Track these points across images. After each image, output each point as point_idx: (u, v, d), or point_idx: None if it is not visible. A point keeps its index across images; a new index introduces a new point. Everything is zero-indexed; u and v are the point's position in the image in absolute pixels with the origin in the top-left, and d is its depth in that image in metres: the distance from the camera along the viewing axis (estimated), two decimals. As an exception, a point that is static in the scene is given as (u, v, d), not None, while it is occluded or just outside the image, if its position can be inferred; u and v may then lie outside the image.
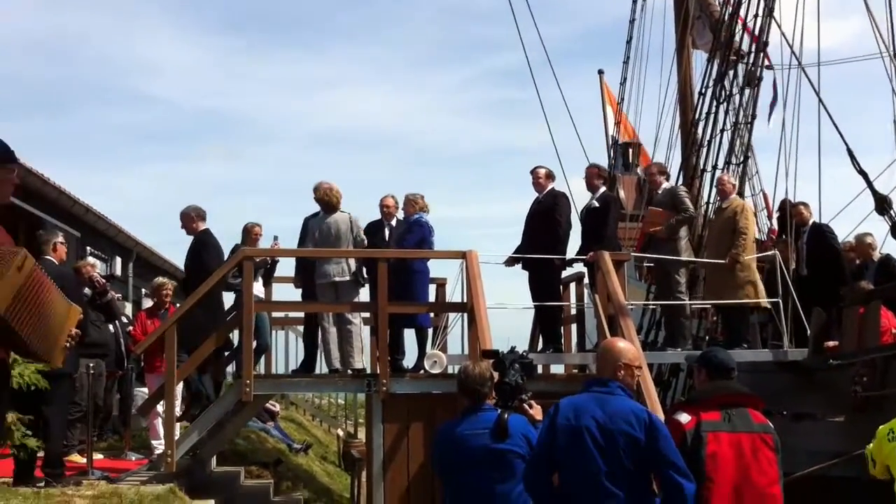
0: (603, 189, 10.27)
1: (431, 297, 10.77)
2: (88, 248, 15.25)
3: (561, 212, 10.00)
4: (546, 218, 9.97)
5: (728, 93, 13.66)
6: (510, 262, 10.18)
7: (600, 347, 5.10)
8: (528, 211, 10.25)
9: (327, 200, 9.99)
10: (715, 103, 13.62)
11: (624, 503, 4.53)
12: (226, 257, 9.94)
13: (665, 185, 10.66)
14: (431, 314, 10.52)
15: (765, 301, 9.93)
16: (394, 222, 10.61)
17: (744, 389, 5.10)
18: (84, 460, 8.76)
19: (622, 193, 17.93)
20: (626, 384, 4.83)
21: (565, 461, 4.63)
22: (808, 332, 9.82)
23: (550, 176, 10.25)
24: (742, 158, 13.47)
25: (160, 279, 10.94)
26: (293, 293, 10.88)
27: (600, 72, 20.92)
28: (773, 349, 10.10)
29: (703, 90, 14.04)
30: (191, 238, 9.88)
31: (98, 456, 9.44)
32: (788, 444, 7.65)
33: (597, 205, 10.09)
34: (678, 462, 4.56)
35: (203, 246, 9.76)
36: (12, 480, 7.37)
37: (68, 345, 4.41)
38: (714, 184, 12.05)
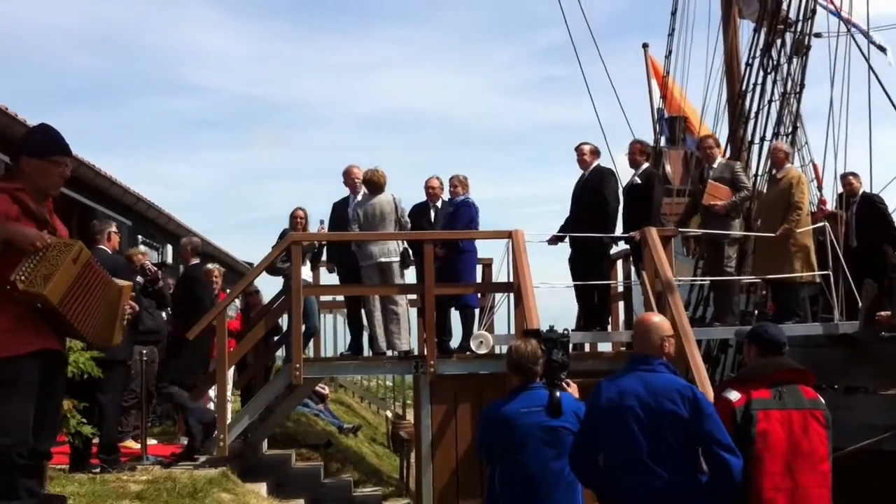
0: (646, 165, 10.14)
1: (478, 278, 10.76)
2: (140, 236, 15.45)
3: (609, 188, 9.92)
4: (593, 195, 9.89)
5: (776, 62, 13.38)
6: (553, 240, 10.13)
7: (637, 324, 5.04)
8: (574, 188, 10.18)
9: (374, 181, 10.05)
10: (762, 73, 13.35)
11: (669, 482, 4.52)
12: (275, 242, 10.02)
13: (720, 159, 10.42)
14: (478, 294, 10.50)
15: (816, 274, 9.73)
16: (439, 204, 10.60)
17: (795, 365, 5.02)
18: (138, 446, 8.92)
19: (668, 168, 17.69)
20: (668, 358, 4.82)
21: (609, 442, 4.65)
22: (860, 304, 9.63)
23: (596, 152, 10.14)
24: (791, 129, 13.21)
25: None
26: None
27: (645, 45, 20.61)
28: (823, 322, 9.91)
29: (751, 60, 13.76)
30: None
31: (152, 441, 9.60)
32: (840, 418, 7.54)
33: (639, 181, 9.97)
34: (724, 438, 4.54)
35: (194, 281, 9.82)
36: (68, 467, 7.53)
37: (126, 320, 4.50)
38: (767, 153, 11.77)
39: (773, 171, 10.30)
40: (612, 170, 10.32)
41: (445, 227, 10.24)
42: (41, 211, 4.26)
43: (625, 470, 4.57)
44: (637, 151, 10.11)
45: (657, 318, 5.06)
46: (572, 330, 9.86)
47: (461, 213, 10.27)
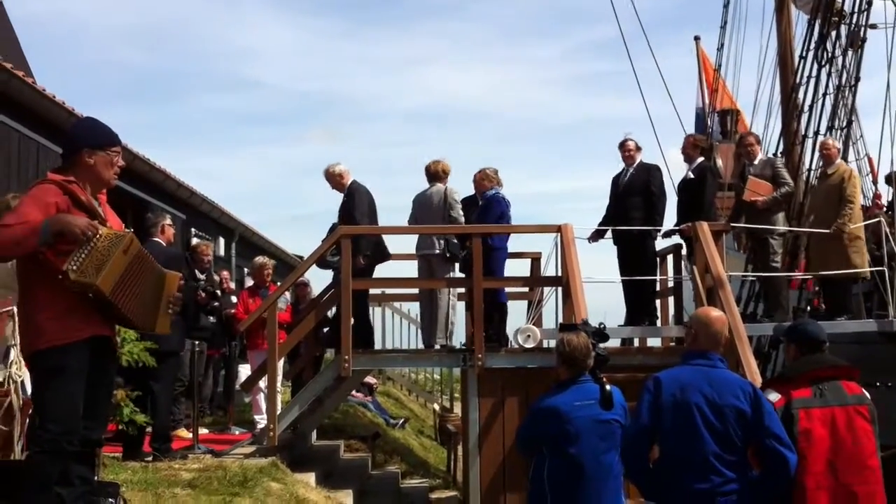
0: (700, 160, 10.05)
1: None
2: (193, 229, 15.66)
3: (657, 184, 9.88)
4: (641, 191, 9.85)
5: (830, 55, 13.18)
6: (594, 236, 10.10)
7: (697, 319, 4.97)
8: (615, 184, 10.14)
9: (429, 170, 10.14)
10: (817, 66, 13.16)
11: (729, 480, 4.54)
12: (325, 236, 10.09)
13: (760, 155, 10.34)
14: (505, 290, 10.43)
15: (867, 271, 9.58)
16: (489, 196, 10.57)
17: (836, 362, 4.92)
18: (189, 435, 9.06)
19: (720, 162, 17.48)
20: (723, 355, 4.79)
21: (670, 439, 4.63)
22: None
23: (639, 148, 10.13)
24: (846, 123, 13.00)
25: (261, 259, 11.17)
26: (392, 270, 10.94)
27: (696, 38, 20.43)
28: (877, 319, 9.76)
29: (805, 53, 13.59)
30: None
31: (203, 431, 9.74)
32: (891, 416, 7.44)
33: (692, 176, 9.89)
34: (782, 434, 4.57)
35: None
36: (122, 455, 7.67)
37: (171, 311, 4.57)
38: (817, 149, 11.62)
39: (824, 167, 10.16)
40: (657, 165, 10.27)
41: (476, 222, 10.08)
42: (91, 202, 4.33)
43: (688, 469, 4.56)
44: (689, 146, 10.05)
45: (717, 313, 5.03)
46: (620, 325, 9.89)
47: (492, 208, 10.16)
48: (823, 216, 9.82)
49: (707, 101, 19.17)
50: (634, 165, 10.01)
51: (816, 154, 11.91)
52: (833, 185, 9.78)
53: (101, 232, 4.16)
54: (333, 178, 10.06)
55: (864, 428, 4.76)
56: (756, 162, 10.10)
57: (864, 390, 4.89)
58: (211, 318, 10.22)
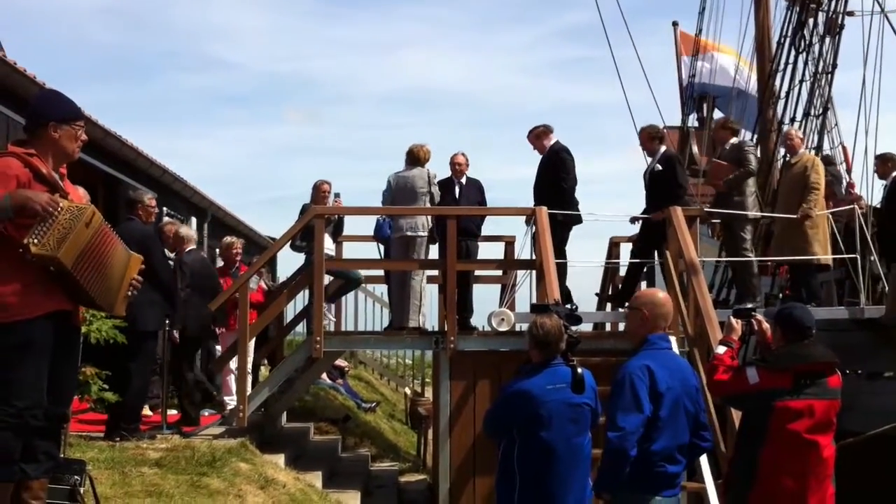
0: (663, 149, 10.01)
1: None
2: (165, 208, 15.47)
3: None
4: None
5: (808, 42, 13.20)
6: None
7: (652, 300, 4.94)
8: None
9: (415, 154, 10.11)
10: (794, 53, 13.18)
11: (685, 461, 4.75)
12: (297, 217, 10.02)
13: (733, 140, 10.30)
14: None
15: (828, 258, 9.64)
16: (464, 180, 10.58)
17: (822, 357, 4.89)
18: (152, 414, 8.95)
19: (695, 149, 17.52)
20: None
21: (662, 426, 4.63)
22: (886, 288, 9.50)
23: (548, 132, 10.16)
24: (821, 110, 13.04)
25: (229, 238, 11.04)
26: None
27: (675, 23, 20.38)
28: (849, 306, 9.81)
29: (782, 39, 13.60)
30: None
31: (172, 411, 9.65)
32: (863, 402, 7.48)
33: (660, 167, 9.86)
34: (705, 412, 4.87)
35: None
36: (104, 434, 7.62)
37: (130, 294, 4.50)
38: (781, 139, 11.65)
39: (788, 157, 10.20)
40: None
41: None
42: (53, 176, 4.27)
43: (671, 454, 4.64)
44: (646, 139, 10.02)
45: (663, 294, 5.10)
46: (573, 306, 9.83)
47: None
48: (788, 205, 9.87)
49: (685, 83, 19.10)
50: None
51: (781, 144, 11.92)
52: (797, 174, 9.85)
53: (62, 205, 4.09)
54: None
55: (831, 422, 4.81)
56: (727, 147, 10.10)
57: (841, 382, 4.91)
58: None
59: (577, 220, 9.96)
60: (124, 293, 4.46)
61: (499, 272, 11.14)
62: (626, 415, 4.58)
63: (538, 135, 10.19)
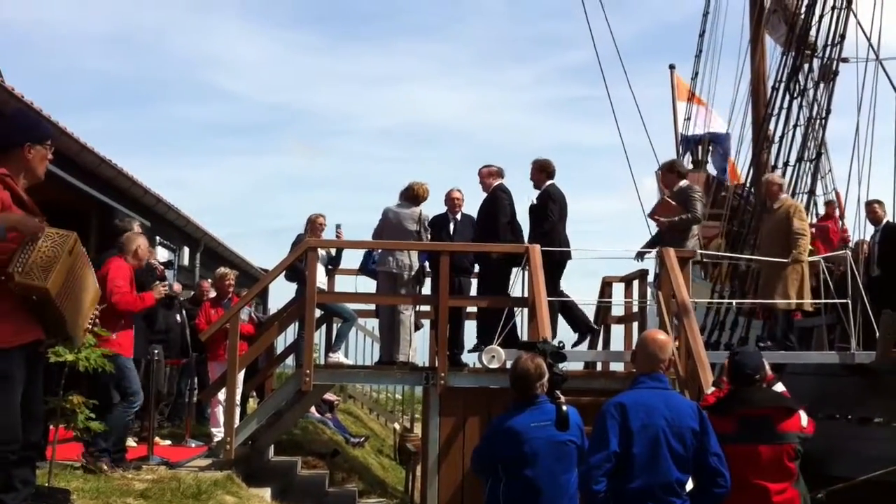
0: (548, 183, 10.08)
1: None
2: (157, 237, 15.48)
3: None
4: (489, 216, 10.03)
5: (802, 87, 13.31)
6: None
7: (648, 341, 4.98)
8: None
9: (414, 191, 10.15)
10: (788, 98, 13.28)
11: (683, 500, 4.63)
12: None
13: (681, 184, 10.24)
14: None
15: (808, 304, 9.68)
16: (459, 216, 10.60)
17: (766, 401, 4.97)
18: (137, 445, 8.87)
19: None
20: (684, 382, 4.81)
21: (637, 464, 4.61)
22: (878, 334, 9.50)
23: (494, 174, 10.25)
24: (815, 155, 13.11)
25: (222, 269, 11.04)
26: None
27: (671, 66, 20.54)
28: (840, 351, 9.80)
29: (777, 84, 13.71)
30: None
31: (166, 442, 9.59)
32: (853, 448, 7.44)
33: (535, 201, 10.03)
34: (721, 452, 4.68)
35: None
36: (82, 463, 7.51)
37: (89, 326, 4.45)
38: (763, 185, 11.66)
39: (768, 203, 10.25)
40: (503, 187, 10.27)
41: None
42: (29, 198, 4.20)
43: (651, 495, 4.58)
44: (535, 170, 10.13)
45: (664, 336, 5.09)
46: (559, 343, 9.83)
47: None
48: (769, 250, 9.90)
49: (681, 129, 19.23)
50: (677, 188, 10.04)
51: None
52: (779, 220, 9.89)
53: (46, 231, 4.04)
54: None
55: (786, 466, 4.82)
56: (675, 189, 10.05)
57: (802, 427, 4.93)
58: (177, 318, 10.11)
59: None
60: (86, 324, 4.41)
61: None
62: (592, 450, 4.69)
63: (490, 174, 10.30)
